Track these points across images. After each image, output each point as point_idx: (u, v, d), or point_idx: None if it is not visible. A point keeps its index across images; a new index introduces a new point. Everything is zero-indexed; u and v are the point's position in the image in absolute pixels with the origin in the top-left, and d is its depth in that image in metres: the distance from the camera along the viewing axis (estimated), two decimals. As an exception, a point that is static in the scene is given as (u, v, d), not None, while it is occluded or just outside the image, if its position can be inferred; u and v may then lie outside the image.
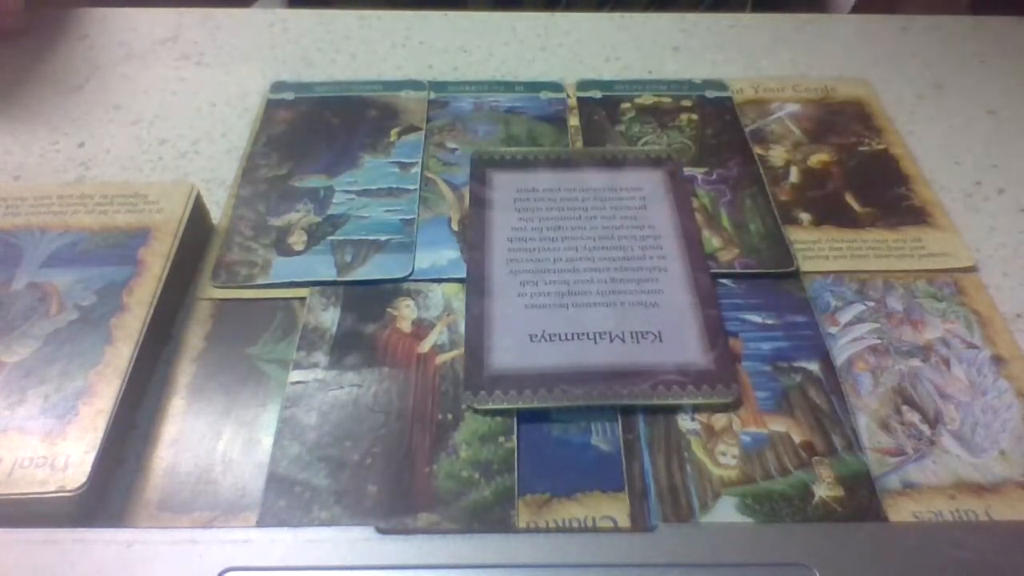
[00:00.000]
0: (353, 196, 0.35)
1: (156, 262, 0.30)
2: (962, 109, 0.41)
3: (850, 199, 0.35)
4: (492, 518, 0.25)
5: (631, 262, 0.32)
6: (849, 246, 0.33)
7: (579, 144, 0.38)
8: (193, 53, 0.44)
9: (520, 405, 0.27)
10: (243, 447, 0.26)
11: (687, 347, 0.29)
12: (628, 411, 0.27)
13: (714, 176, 0.36)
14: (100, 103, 0.40)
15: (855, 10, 0.54)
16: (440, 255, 0.32)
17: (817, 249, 0.33)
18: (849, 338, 0.30)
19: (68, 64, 0.42)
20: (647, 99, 0.41)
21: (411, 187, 0.35)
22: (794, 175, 0.36)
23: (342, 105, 0.40)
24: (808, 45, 0.45)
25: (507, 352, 0.28)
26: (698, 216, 0.34)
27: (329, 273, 0.31)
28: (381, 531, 0.22)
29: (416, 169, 0.36)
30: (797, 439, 0.27)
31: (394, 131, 0.38)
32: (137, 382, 0.27)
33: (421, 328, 0.30)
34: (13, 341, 0.27)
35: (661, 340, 0.29)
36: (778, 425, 0.27)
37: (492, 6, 0.51)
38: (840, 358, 0.29)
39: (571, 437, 0.27)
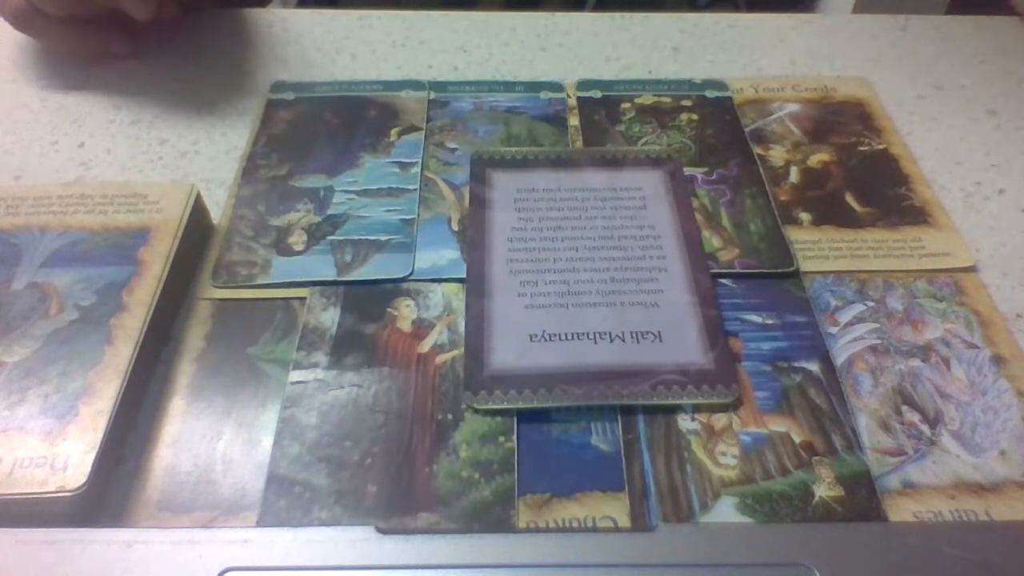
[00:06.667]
0: (353, 196, 0.35)
1: (156, 262, 0.30)
2: (962, 109, 0.41)
3: (850, 199, 0.35)
4: (492, 518, 0.25)
5: (631, 262, 0.32)
6: (849, 246, 0.33)
7: (579, 144, 0.38)
8: (193, 53, 0.44)
9: (520, 405, 0.27)
10: (243, 447, 0.26)
11: (687, 347, 0.29)
12: (628, 411, 0.27)
13: (714, 176, 0.36)
14: (100, 103, 0.40)
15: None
16: (440, 255, 0.32)
17: (817, 249, 0.33)
18: (849, 338, 0.30)
19: (68, 64, 0.42)
20: (647, 99, 0.41)
21: (411, 187, 0.35)
22: (794, 175, 0.36)
23: (342, 105, 0.40)
24: (808, 45, 0.45)
25: (507, 352, 0.28)
26: (698, 216, 0.34)
27: (329, 273, 0.31)
28: (381, 531, 0.22)
29: (416, 169, 0.36)
30: (797, 439, 0.27)
31: (394, 131, 0.38)
32: (137, 382, 0.27)
33: (421, 328, 0.30)
34: (13, 341, 0.27)
35: (661, 340, 0.29)
36: (778, 425, 0.27)
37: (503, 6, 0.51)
38: (840, 358, 0.29)
39: (571, 437, 0.27)
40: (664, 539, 0.22)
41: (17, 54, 0.43)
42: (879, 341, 0.30)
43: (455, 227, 0.34)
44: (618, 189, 0.35)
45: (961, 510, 0.25)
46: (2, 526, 0.22)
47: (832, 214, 0.34)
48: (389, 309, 0.30)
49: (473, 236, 0.33)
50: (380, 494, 0.25)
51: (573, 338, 0.29)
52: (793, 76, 0.43)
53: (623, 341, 0.29)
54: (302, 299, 0.31)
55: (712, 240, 0.33)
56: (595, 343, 0.29)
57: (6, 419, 0.25)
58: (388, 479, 0.25)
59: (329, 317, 0.30)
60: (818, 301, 0.31)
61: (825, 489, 0.25)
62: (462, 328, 0.30)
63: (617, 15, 0.48)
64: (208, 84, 0.42)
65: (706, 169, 0.36)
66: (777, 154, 0.38)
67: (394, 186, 0.35)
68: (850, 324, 0.30)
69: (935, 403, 0.28)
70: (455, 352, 0.29)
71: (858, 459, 0.26)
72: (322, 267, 0.31)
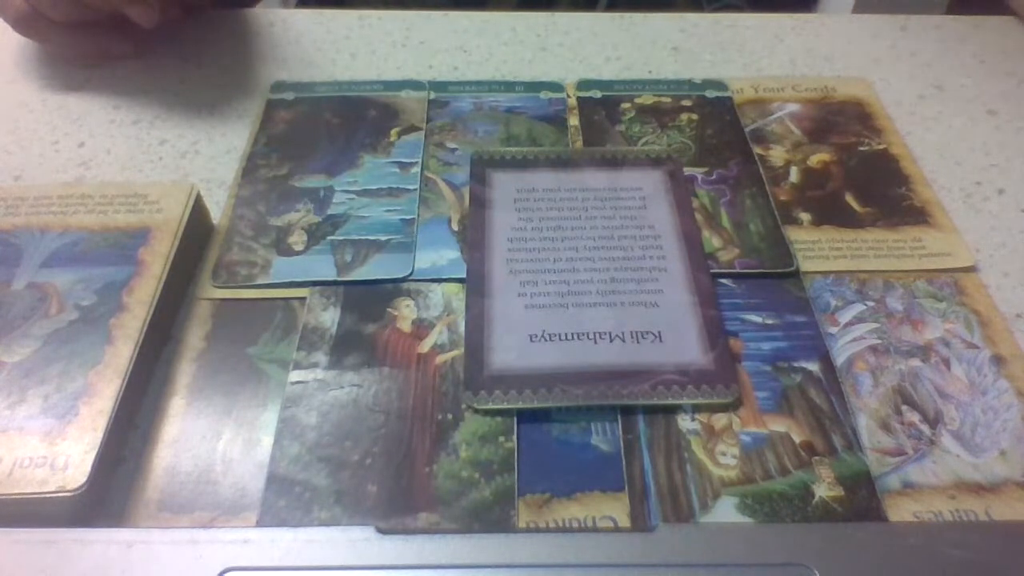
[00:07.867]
0: (353, 196, 0.35)
1: (156, 262, 0.30)
2: (962, 109, 0.41)
3: (850, 199, 0.35)
4: (492, 518, 0.25)
5: (631, 262, 0.32)
6: (849, 246, 0.33)
7: (579, 144, 0.38)
8: (193, 53, 0.44)
9: (520, 405, 0.27)
10: (243, 447, 0.26)
11: (687, 347, 0.29)
12: (628, 411, 0.27)
13: (714, 176, 0.36)
14: (100, 103, 0.40)
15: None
16: (440, 255, 0.32)
17: (817, 249, 0.33)
18: (849, 338, 0.30)
19: (68, 64, 0.42)
20: (647, 99, 0.41)
21: (411, 187, 0.35)
22: (794, 175, 0.36)
23: (342, 105, 0.40)
24: (808, 45, 0.45)
25: (507, 352, 0.28)
26: (698, 216, 0.34)
27: (329, 273, 0.31)
28: (381, 531, 0.22)
29: (416, 169, 0.36)
30: (797, 439, 0.27)
31: (394, 131, 0.38)
32: (137, 382, 0.27)
33: (421, 328, 0.30)
34: (13, 341, 0.27)
35: (661, 340, 0.29)
36: (778, 425, 0.27)
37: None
38: (840, 358, 0.29)
39: (571, 437, 0.27)
40: (664, 539, 0.22)
41: (18, 55, 0.43)
42: (879, 341, 0.30)
43: (455, 227, 0.34)
44: (618, 189, 0.35)
45: (961, 510, 0.25)
46: (2, 526, 0.22)
47: (832, 214, 0.34)
48: (389, 309, 0.30)
49: (473, 236, 0.33)
50: (380, 494, 0.25)
51: (573, 338, 0.29)
52: (793, 76, 0.43)
53: (623, 341, 0.29)
54: (302, 299, 0.31)
55: (712, 240, 0.33)
56: (595, 343, 0.29)
57: (6, 419, 0.25)
58: (388, 479, 0.25)
59: (329, 317, 0.30)
60: (818, 301, 0.31)
61: (825, 489, 0.25)
62: (462, 328, 0.30)
63: (617, 15, 0.48)
64: (208, 84, 0.42)
65: (706, 169, 0.36)
66: (777, 154, 0.38)
67: (394, 186, 0.35)
68: (850, 324, 0.30)
69: (935, 403, 0.28)
70: (455, 352, 0.29)
71: (858, 459, 0.26)
72: (322, 267, 0.32)
